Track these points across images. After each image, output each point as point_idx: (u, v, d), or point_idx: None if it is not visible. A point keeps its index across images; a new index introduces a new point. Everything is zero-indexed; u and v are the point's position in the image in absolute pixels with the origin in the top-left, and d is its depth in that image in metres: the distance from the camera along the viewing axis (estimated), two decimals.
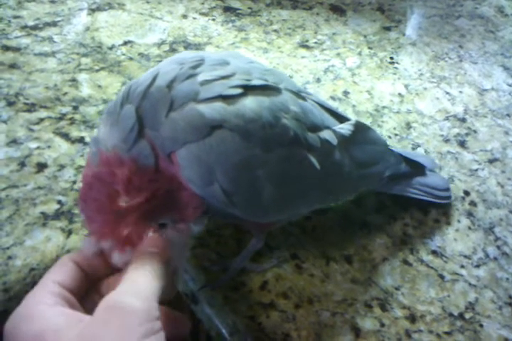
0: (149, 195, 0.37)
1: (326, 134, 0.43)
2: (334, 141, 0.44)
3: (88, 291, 0.36)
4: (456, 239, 0.56)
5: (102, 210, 0.38)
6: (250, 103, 0.38)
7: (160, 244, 0.37)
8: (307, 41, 0.83)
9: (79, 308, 0.34)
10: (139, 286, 0.33)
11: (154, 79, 0.38)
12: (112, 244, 0.37)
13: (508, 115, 0.72)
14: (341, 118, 0.48)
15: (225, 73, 0.39)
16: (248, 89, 0.38)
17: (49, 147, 0.59)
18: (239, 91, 0.38)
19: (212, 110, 0.36)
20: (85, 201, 0.38)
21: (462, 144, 0.67)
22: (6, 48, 0.72)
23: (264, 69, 0.43)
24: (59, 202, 0.53)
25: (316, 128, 0.43)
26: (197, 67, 0.39)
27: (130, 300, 0.31)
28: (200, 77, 0.38)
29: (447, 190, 0.58)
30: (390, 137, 0.66)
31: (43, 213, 0.52)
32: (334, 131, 0.44)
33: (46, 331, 0.30)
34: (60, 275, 0.35)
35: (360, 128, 0.47)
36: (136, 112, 0.37)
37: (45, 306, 0.32)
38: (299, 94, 0.43)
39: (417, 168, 0.56)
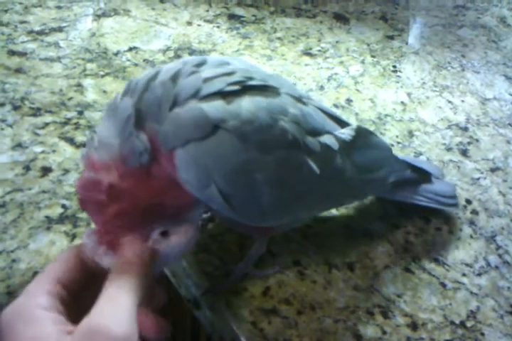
0: (137, 200, 0.37)
1: (326, 139, 0.43)
2: (335, 145, 0.44)
3: (87, 283, 0.37)
4: (457, 247, 0.56)
5: (95, 212, 0.38)
6: (247, 103, 0.38)
7: (142, 253, 0.37)
8: (311, 49, 0.84)
9: (72, 306, 0.34)
10: (120, 307, 0.32)
11: (157, 74, 0.38)
12: (103, 245, 0.37)
13: (510, 124, 0.73)
14: (343, 124, 0.48)
15: (226, 71, 0.39)
16: (246, 89, 0.39)
17: (54, 151, 0.59)
18: (236, 88, 0.38)
19: (213, 109, 0.36)
20: (80, 203, 0.39)
21: (464, 153, 0.67)
22: (12, 53, 0.73)
23: (266, 74, 0.43)
24: (63, 206, 0.54)
25: (316, 132, 0.42)
26: (200, 65, 0.40)
27: (112, 325, 0.31)
28: (204, 74, 0.38)
29: (454, 197, 0.58)
30: (392, 145, 0.67)
31: (47, 217, 0.52)
32: (335, 136, 0.44)
33: (37, 339, 0.30)
34: (62, 270, 0.35)
35: (361, 133, 0.47)
36: (136, 105, 0.37)
37: (42, 311, 0.32)
38: (299, 99, 0.43)
39: (423, 175, 0.56)
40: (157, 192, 0.38)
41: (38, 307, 0.32)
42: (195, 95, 0.37)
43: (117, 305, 0.32)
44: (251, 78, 0.40)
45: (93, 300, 0.32)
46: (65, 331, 0.31)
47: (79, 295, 0.35)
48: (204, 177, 0.37)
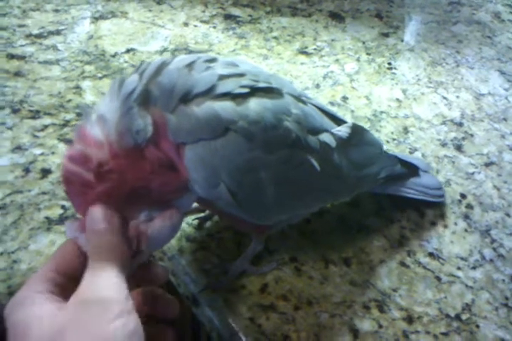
0: (124, 183, 0.37)
1: (325, 137, 0.44)
2: (333, 143, 0.45)
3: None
4: (452, 241, 0.56)
5: (78, 193, 0.37)
6: (254, 105, 0.39)
7: (105, 215, 0.36)
8: (306, 48, 0.84)
9: (71, 292, 0.34)
10: (104, 276, 0.33)
11: (168, 61, 0.39)
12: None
13: (504, 119, 0.73)
14: (339, 121, 0.49)
15: (238, 71, 0.40)
16: (254, 91, 0.40)
17: (53, 153, 0.60)
18: (246, 90, 0.39)
19: (225, 111, 0.37)
20: (64, 182, 0.38)
21: (459, 148, 0.68)
22: (11, 56, 0.74)
23: (267, 74, 0.44)
24: (63, 207, 0.54)
25: (315, 131, 0.44)
26: (212, 61, 0.40)
27: (100, 291, 0.32)
28: (219, 71, 0.39)
29: (440, 188, 0.59)
30: (387, 141, 0.67)
31: (47, 218, 0.53)
32: (332, 134, 0.46)
33: (30, 317, 0.31)
34: (59, 259, 0.36)
35: (356, 130, 0.49)
36: (146, 86, 0.37)
37: (35, 294, 0.33)
38: (299, 98, 0.45)
39: (412, 169, 0.57)
40: (147, 176, 0.38)
41: (31, 291, 0.33)
42: (210, 92, 0.38)
43: (101, 275, 0.33)
44: (258, 81, 0.41)
45: None
46: (57, 308, 0.32)
47: (79, 280, 0.36)
48: (213, 177, 0.38)
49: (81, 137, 0.37)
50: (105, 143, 0.36)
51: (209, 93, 0.38)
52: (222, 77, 0.39)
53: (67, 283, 0.35)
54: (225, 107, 0.38)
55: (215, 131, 0.37)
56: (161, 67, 0.38)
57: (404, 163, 0.55)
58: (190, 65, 0.39)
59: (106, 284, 0.32)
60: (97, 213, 0.36)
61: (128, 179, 0.37)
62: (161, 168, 0.38)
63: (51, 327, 0.31)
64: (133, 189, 0.38)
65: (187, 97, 0.37)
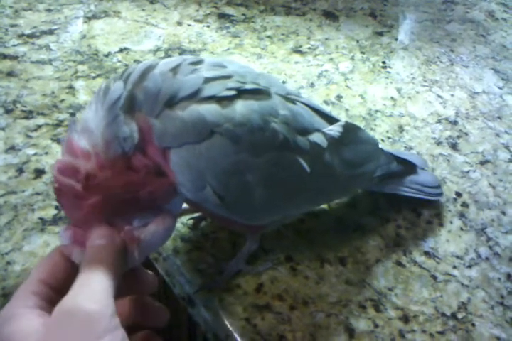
0: (113, 193, 0.37)
1: (315, 137, 0.44)
2: (324, 143, 0.44)
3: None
4: (448, 240, 0.56)
5: (70, 205, 0.37)
6: (240, 107, 0.38)
7: (107, 233, 0.36)
8: (300, 47, 0.84)
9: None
10: (91, 286, 0.32)
11: (153, 65, 0.39)
12: (76, 241, 0.37)
13: (498, 117, 0.74)
14: (332, 120, 0.48)
15: (224, 74, 0.40)
16: (241, 93, 0.39)
17: (46, 153, 0.60)
18: (233, 93, 0.39)
19: (211, 114, 0.37)
20: (56, 193, 0.37)
21: (454, 146, 0.68)
22: (4, 56, 0.73)
23: (255, 73, 0.44)
24: (57, 207, 0.54)
25: (305, 131, 0.43)
26: (198, 63, 0.40)
27: (84, 303, 0.31)
28: (204, 74, 0.39)
29: (438, 187, 0.59)
30: (382, 140, 0.67)
31: (41, 218, 0.53)
32: (324, 133, 0.45)
33: (14, 334, 0.31)
34: (46, 271, 0.35)
35: (349, 128, 0.48)
36: (130, 91, 0.37)
37: (23, 309, 0.33)
38: (288, 97, 0.44)
39: (408, 167, 0.56)
40: (136, 184, 0.37)
41: (20, 306, 0.33)
42: (195, 95, 0.37)
43: (88, 287, 0.32)
44: (245, 82, 0.40)
45: None
46: (41, 324, 0.31)
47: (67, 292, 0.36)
48: (199, 180, 0.38)
49: (68, 148, 0.37)
50: (92, 153, 0.36)
51: (194, 96, 0.37)
52: (207, 80, 0.38)
53: (54, 296, 0.34)
54: (210, 110, 0.37)
55: (200, 134, 0.37)
56: (146, 71, 0.38)
57: (401, 161, 0.55)
58: (175, 69, 0.38)
59: (93, 296, 0.32)
60: (100, 233, 0.36)
61: (117, 188, 0.37)
62: (149, 174, 0.38)
63: None
64: (123, 197, 0.37)
65: (172, 101, 0.37)
